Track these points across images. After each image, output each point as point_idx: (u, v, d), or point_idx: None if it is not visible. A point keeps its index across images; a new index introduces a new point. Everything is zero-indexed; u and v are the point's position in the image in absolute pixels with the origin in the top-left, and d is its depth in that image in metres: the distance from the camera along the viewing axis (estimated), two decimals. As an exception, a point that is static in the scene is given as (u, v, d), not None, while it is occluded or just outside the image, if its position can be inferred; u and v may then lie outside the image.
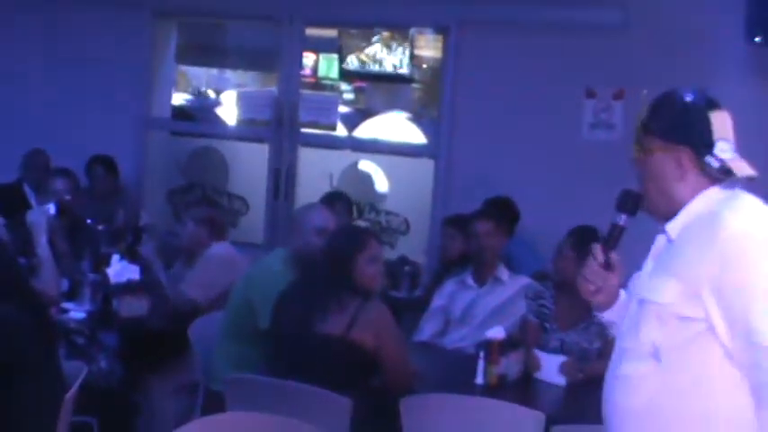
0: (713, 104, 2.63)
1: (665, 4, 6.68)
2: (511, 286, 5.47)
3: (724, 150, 2.60)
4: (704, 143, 2.59)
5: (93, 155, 7.60)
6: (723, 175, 2.59)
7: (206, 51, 10.54)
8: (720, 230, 2.47)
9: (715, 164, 2.58)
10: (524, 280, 5.48)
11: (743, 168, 2.59)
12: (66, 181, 6.55)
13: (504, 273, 5.53)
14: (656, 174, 2.65)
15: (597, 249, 2.75)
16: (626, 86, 6.91)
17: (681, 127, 2.62)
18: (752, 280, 2.44)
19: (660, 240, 2.70)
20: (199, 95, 11.89)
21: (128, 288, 5.55)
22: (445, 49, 7.70)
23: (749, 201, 2.58)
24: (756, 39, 5.60)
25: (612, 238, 2.75)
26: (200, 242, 5.78)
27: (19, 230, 5.20)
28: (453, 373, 4.82)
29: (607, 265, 2.73)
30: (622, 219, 2.72)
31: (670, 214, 2.64)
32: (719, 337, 2.46)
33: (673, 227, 2.62)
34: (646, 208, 2.71)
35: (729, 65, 6.28)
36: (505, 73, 7.25)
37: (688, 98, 2.65)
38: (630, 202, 2.72)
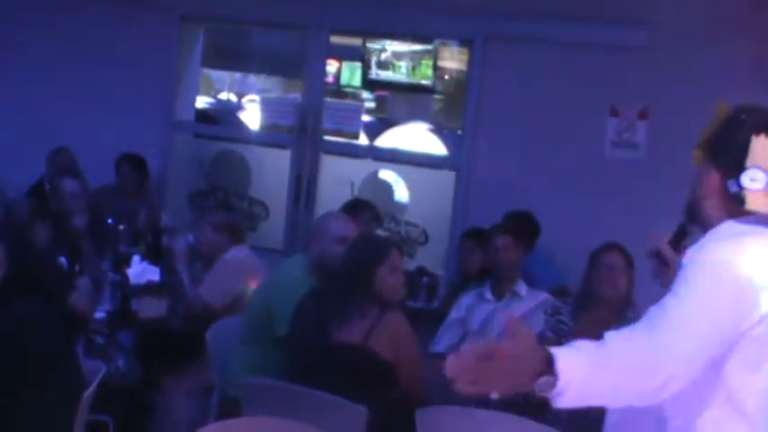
0: (761, 128, 2.43)
1: (690, 24, 6.68)
2: (529, 301, 5.47)
3: (755, 179, 2.42)
4: (736, 166, 2.43)
5: (122, 153, 7.67)
6: (737, 204, 2.44)
7: (230, 56, 10.60)
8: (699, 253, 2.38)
9: (733, 189, 2.45)
10: (543, 295, 5.48)
11: (754, 201, 2.43)
12: (73, 183, 6.58)
13: (522, 287, 5.54)
14: (695, 185, 2.54)
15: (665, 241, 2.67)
16: (650, 106, 6.91)
17: (717, 144, 2.48)
18: (689, 291, 2.31)
19: None
20: (222, 99, 11.95)
21: (147, 289, 5.57)
22: (470, 62, 7.72)
23: (752, 241, 2.38)
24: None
25: (675, 237, 2.68)
26: (218, 247, 5.80)
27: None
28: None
29: (663, 261, 2.63)
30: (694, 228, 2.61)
31: (706, 227, 2.51)
32: None
33: (690, 256, 2.44)
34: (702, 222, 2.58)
35: (751, 83, 6.26)
36: (529, 88, 7.27)
37: (741, 116, 2.47)
38: (690, 211, 2.60)
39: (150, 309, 5.45)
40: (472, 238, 6.47)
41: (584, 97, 7.09)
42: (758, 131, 2.43)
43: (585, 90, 7.06)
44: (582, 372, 2.21)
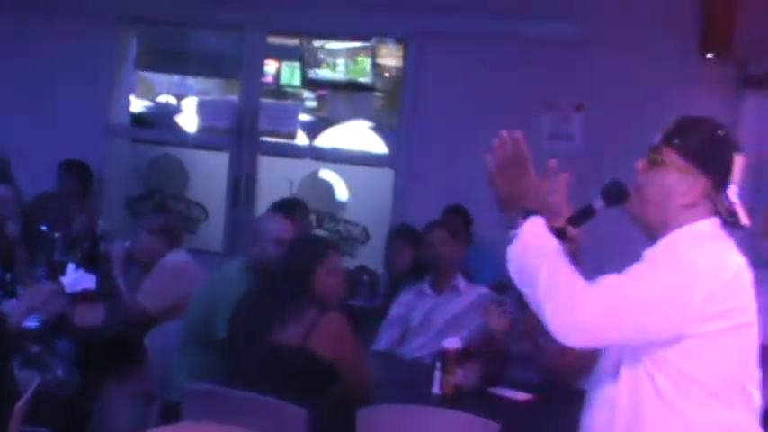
0: (738, 147, 2.64)
1: (623, 19, 6.75)
2: (468, 295, 5.48)
3: (733, 194, 2.60)
4: (723, 181, 2.59)
5: (61, 159, 7.58)
6: (729, 217, 2.60)
7: (168, 58, 10.48)
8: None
9: (726, 204, 2.59)
10: (482, 290, 5.49)
11: (744, 217, 2.61)
12: (4, 189, 6.50)
13: (461, 282, 5.54)
14: (662, 189, 2.62)
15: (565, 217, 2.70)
16: (585, 99, 6.97)
17: (710, 157, 2.60)
18: (646, 269, 2.51)
19: None
20: (159, 102, 11.83)
21: (83, 297, 5.51)
22: (406, 60, 7.74)
23: (723, 245, 2.59)
24: (708, 55, 5.69)
25: (579, 214, 2.68)
26: (156, 252, 5.75)
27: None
28: (411, 383, 4.82)
29: (561, 233, 2.65)
30: (599, 202, 2.66)
31: (654, 229, 2.63)
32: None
33: (652, 251, 2.61)
34: (631, 211, 2.67)
35: (683, 80, 6.35)
36: (466, 84, 7.29)
37: (721, 131, 2.64)
38: (615, 193, 2.66)
39: (87, 316, 5.39)
40: (398, 237, 6.50)
41: (521, 91, 7.12)
42: (736, 150, 2.62)
43: (521, 85, 7.11)
44: (541, 245, 2.52)
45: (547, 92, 7.12)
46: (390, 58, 9.05)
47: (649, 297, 2.46)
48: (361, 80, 8.88)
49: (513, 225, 2.59)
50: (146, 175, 8.49)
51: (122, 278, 5.63)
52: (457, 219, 6.34)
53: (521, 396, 4.65)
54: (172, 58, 10.46)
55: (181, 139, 9.08)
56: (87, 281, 5.68)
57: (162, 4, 8.02)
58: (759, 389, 2.63)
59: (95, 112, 8.23)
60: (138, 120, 9.61)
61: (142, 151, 8.63)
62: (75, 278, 5.67)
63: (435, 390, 4.57)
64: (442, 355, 4.59)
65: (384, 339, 5.58)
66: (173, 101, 12.25)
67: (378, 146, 9.42)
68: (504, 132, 2.65)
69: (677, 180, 2.60)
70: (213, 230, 8.19)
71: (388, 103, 10.42)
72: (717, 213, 2.61)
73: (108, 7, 8.12)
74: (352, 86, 9.21)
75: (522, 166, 2.65)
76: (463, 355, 4.64)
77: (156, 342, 5.07)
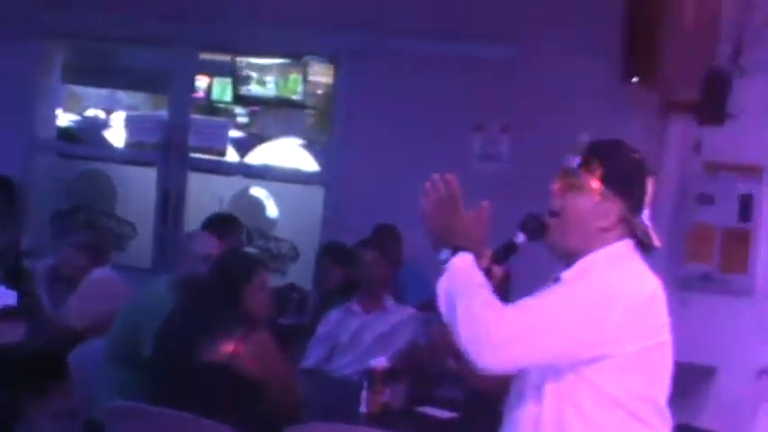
0: (651, 170, 2.69)
1: (550, 42, 6.83)
2: (396, 315, 5.51)
3: (646, 217, 2.66)
4: (639, 204, 2.64)
5: None
6: (645, 239, 2.65)
7: (96, 71, 10.41)
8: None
9: (640, 226, 2.64)
10: (409, 310, 5.53)
11: (656, 239, 2.66)
12: None
13: (389, 301, 5.58)
14: (579, 214, 2.65)
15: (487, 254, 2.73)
16: (512, 120, 7.04)
17: (626, 181, 2.64)
18: (563, 290, 2.58)
19: (548, 284, 2.71)
20: (87, 117, 11.72)
21: (4, 314, 5.43)
22: (336, 78, 7.76)
23: (637, 266, 2.64)
24: (633, 79, 5.79)
25: (502, 250, 2.72)
26: (81, 268, 5.70)
27: None
28: (338, 402, 4.83)
29: (487, 272, 2.68)
30: (520, 237, 2.70)
31: (571, 255, 2.66)
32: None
33: (568, 274, 2.65)
34: (551, 240, 2.70)
35: (609, 104, 6.45)
36: (397, 103, 7.32)
37: (636, 155, 2.69)
38: (534, 227, 2.71)
39: (7, 334, 5.31)
40: (328, 254, 6.51)
41: (451, 111, 7.17)
42: (650, 173, 2.68)
43: (451, 104, 7.15)
44: (465, 278, 2.57)
45: (476, 112, 7.18)
46: (321, 75, 9.08)
47: (566, 318, 2.49)
48: (293, 97, 8.89)
49: (443, 260, 2.65)
50: (73, 191, 8.38)
51: (46, 295, 5.57)
52: (387, 238, 6.36)
53: (446, 415, 4.68)
54: (100, 71, 10.38)
55: (109, 154, 9.00)
56: (8, 297, 5.60)
57: (91, 19, 7.93)
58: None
59: (20, 126, 8.12)
60: (66, 134, 9.51)
61: (69, 166, 8.53)
62: (-4, 294, 5.60)
63: (362, 408, 4.58)
64: (370, 374, 4.61)
65: (312, 357, 5.58)
66: (101, 115, 12.14)
67: (308, 163, 9.44)
68: (436, 175, 2.71)
69: (595, 204, 2.63)
70: (142, 247, 8.11)
71: (319, 120, 10.44)
72: (632, 235, 2.65)
73: (36, 22, 8.01)
74: (283, 103, 9.22)
75: (454, 206, 2.69)
76: (390, 375, 4.66)
77: (80, 359, 5.01)
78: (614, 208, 2.63)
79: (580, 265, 2.63)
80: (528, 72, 6.90)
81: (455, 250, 2.63)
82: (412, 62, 7.22)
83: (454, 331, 2.54)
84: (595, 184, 2.63)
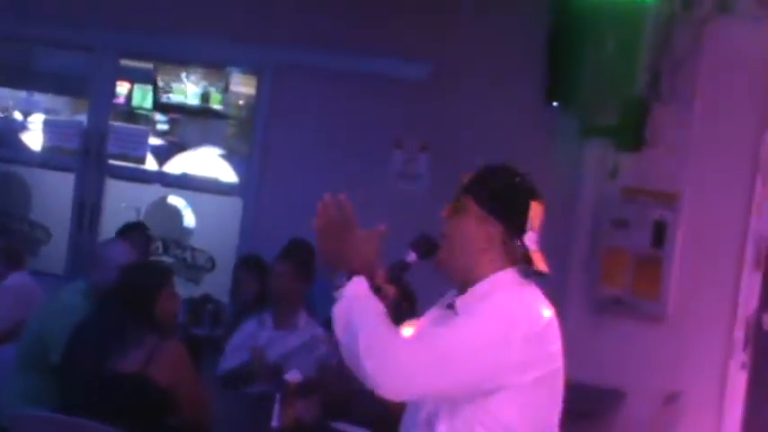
0: (536, 194, 2.72)
1: (472, 63, 6.90)
2: (304, 334, 5.47)
3: (531, 240, 2.68)
4: (517, 227, 2.67)
5: None
6: (524, 262, 2.67)
7: (14, 73, 10.22)
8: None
9: (521, 249, 2.66)
10: (317, 329, 5.46)
11: (540, 262, 2.68)
12: None
13: (302, 318, 5.53)
14: (463, 236, 2.70)
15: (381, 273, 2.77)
16: (430, 139, 7.09)
17: (502, 203, 2.69)
18: (462, 319, 2.60)
19: (442, 309, 2.77)
20: (4, 118, 11.50)
21: None
22: (259, 91, 7.76)
23: (533, 293, 2.68)
24: (554, 103, 5.86)
25: (395, 269, 2.77)
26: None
27: None
28: (250, 416, 4.81)
29: (377, 290, 2.70)
30: (411, 256, 2.76)
31: (460, 277, 2.71)
32: None
33: (462, 301, 2.68)
34: (439, 260, 2.75)
35: (528, 127, 6.52)
36: (318, 117, 7.34)
37: (517, 179, 2.73)
38: (424, 247, 2.77)
39: None
40: (245, 266, 6.48)
41: (371, 128, 7.20)
42: (533, 197, 2.71)
43: (372, 121, 7.19)
44: (363, 306, 2.58)
45: (396, 130, 7.21)
46: (244, 86, 9.04)
47: (468, 346, 2.53)
48: (214, 106, 8.83)
49: (338, 285, 2.66)
50: (-15, 194, 8.25)
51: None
52: (301, 252, 6.34)
53: (359, 430, 4.68)
54: (19, 73, 10.20)
55: (25, 157, 8.85)
56: None
57: (11, 20, 7.82)
58: None
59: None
60: (-20, 135, 9.34)
61: (-17, 168, 8.39)
62: None
63: (274, 423, 4.55)
64: (283, 387, 4.58)
65: (224, 368, 5.52)
66: (18, 117, 11.93)
67: (227, 174, 9.36)
68: (328, 196, 2.73)
69: (475, 227, 2.68)
70: (55, 253, 8.00)
71: (239, 130, 10.38)
72: (517, 260, 2.69)
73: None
74: (204, 112, 9.15)
75: (347, 228, 2.70)
76: (304, 389, 4.64)
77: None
78: (493, 230, 2.67)
79: (476, 291, 2.67)
80: (449, 92, 6.95)
81: (350, 274, 2.64)
82: (334, 77, 7.24)
83: (354, 358, 2.54)
84: (474, 207, 2.69)
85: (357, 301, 2.61)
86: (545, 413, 2.65)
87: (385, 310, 2.62)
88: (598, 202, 6.38)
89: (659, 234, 6.20)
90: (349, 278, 2.64)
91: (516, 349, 2.53)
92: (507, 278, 2.67)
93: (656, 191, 6.26)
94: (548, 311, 2.65)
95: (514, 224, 2.67)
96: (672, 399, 6.04)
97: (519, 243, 2.66)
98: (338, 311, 2.63)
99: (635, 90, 5.80)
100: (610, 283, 6.24)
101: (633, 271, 6.24)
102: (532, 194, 2.71)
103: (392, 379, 2.50)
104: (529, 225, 2.68)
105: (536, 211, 2.70)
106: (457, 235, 2.71)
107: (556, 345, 2.65)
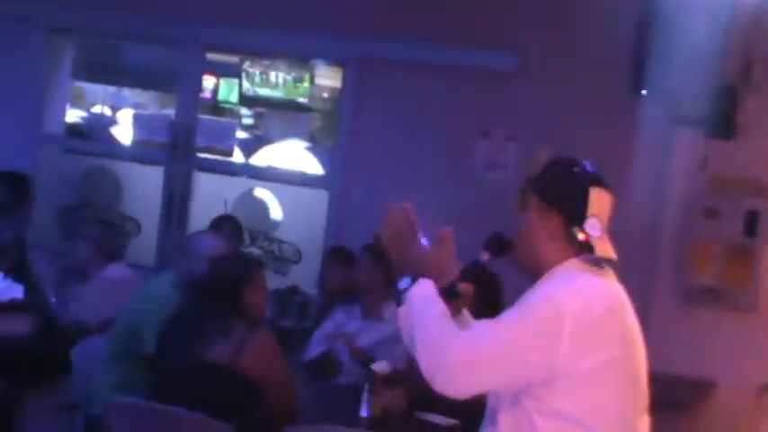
0: (597, 181, 2.73)
1: (558, 52, 6.84)
2: (393, 323, 5.45)
3: (594, 227, 2.68)
4: (576, 215, 2.68)
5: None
6: (585, 250, 2.67)
7: (105, 69, 10.41)
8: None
9: (580, 236, 2.67)
10: None
11: (605, 249, 2.68)
12: None
13: (389, 309, 5.49)
14: (528, 230, 2.74)
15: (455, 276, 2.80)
16: (518, 129, 7.05)
17: (558, 193, 2.72)
18: (514, 312, 2.62)
19: None
20: (94, 113, 11.73)
21: (9, 307, 5.43)
22: (344, 83, 7.77)
23: (590, 280, 2.67)
24: (643, 92, 5.79)
25: (468, 270, 2.81)
26: (94, 263, 5.70)
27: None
28: (339, 405, 4.84)
29: (453, 293, 2.76)
30: (485, 256, 2.82)
31: (532, 270, 2.74)
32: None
33: (525, 296, 2.69)
34: (513, 257, 2.80)
35: (616, 115, 6.45)
36: (403, 110, 7.33)
37: (576, 168, 2.76)
38: (497, 245, 2.82)
39: (11, 327, 5.32)
40: (334, 257, 6.51)
41: (457, 119, 7.18)
42: (593, 184, 2.72)
43: (457, 112, 7.16)
44: (422, 307, 2.67)
45: (482, 121, 7.18)
46: (329, 78, 9.08)
47: (517, 339, 2.56)
48: (299, 100, 8.89)
49: (402, 288, 2.76)
50: (79, 187, 8.39)
51: (51, 289, 5.58)
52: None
53: (446, 421, 4.68)
54: (109, 69, 10.38)
55: (116, 151, 9.00)
56: (15, 291, 5.61)
57: (100, 16, 7.94)
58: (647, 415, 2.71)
59: (28, 121, 8.13)
60: (72, 130, 9.51)
61: (75, 162, 8.54)
62: (2, 288, 5.60)
63: (363, 412, 4.58)
64: (371, 377, 4.60)
65: (312, 354, 5.54)
66: (108, 112, 12.16)
67: (313, 166, 9.43)
68: (393, 205, 2.84)
69: (537, 219, 2.72)
70: (145, 245, 8.11)
71: (324, 123, 10.45)
72: (578, 249, 2.69)
73: (38, 16, 8.02)
74: (289, 105, 9.21)
75: (411, 235, 2.81)
76: (391, 379, 4.66)
77: (83, 354, 5.02)
78: (554, 222, 2.70)
79: (537, 285, 2.70)
80: (535, 81, 6.90)
81: (414, 278, 2.73)
82: (419, 69, 7.23)
83: (417, 358, 2.63)
84: (535, 200, 2.73)
85: (417, 303, 2.69)
86: (606, 401, 2.60)
87: (447, 310, 2.67)
88: (688, 193, 6.29)
89: (752, 223, 6.10)
90: (413, 281, 2.72)
91: (564, 338, 2.53)
92: (571, 267, 2.68)
93: (748, 179, 6.17)
94: (606, 298, 2.64)
95: (573, 213, 2.69)
96: (764, 390, 5.94)
97: (577, 230, 2.67)
98: (401, 313, 2.75)
99: (726, 78, 5.71)
100: (699, 274, 6.16)
101: (724, 261, 6.15)
102: (591, 181, 2.72)
103: (444, 376, 2.56)
104: (589, 212, 2.68)
105: (598, 198, 2.70)
106: (524, 230, 2.75)
107: (618, 331, 2.62)
